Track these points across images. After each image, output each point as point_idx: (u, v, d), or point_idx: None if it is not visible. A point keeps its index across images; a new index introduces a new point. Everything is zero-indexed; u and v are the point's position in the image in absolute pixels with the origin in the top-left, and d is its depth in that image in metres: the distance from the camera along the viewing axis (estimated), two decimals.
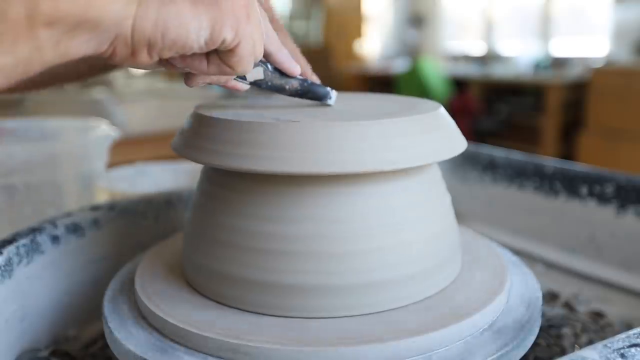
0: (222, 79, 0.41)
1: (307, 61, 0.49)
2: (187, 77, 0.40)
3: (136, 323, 0.41)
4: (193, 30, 0.33)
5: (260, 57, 0.39)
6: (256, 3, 0.37)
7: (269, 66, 0.43)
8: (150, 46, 0.33)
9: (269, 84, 0.43)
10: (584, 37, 4.10)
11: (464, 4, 4.90)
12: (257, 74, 0.42)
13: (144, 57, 0.33)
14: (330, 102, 0.45)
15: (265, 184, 0.40)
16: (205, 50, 0.35)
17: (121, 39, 0.32)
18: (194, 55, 0.36)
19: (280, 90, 0.44)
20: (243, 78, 0.42)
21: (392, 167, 0.38)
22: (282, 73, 0.44)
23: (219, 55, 0.36)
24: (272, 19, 0.46)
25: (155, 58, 0.34)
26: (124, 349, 0.39)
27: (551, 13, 4.26)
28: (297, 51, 0.49)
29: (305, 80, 0.45)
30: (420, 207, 0.42)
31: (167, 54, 0.34)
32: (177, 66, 0.37)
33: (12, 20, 0.28)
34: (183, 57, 0.36)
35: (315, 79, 0.47)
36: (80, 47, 0.31)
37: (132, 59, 0.33)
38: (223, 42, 0.34)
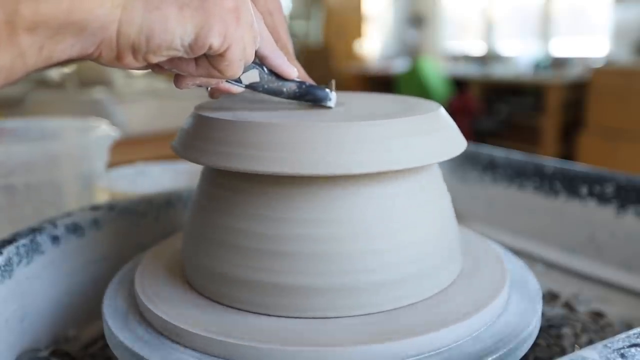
0: (212, 81, 0.40)
1: (299, 63, 0.48)
2: (176, 79, 0.39)
3: (136, 323, 0.41)
4: (178, 36, 0.32)
5: (251, 60, 0.38)
6: (249, 4, 0.36)
7: (265, 69, 0.42)
8: (135, 50, 0.32)
9: (265, 87, 0.42)
10: (584, 37, 4.10)
11: (464, 4, 4.89)
12: (252, 76, 0.41)
13: (129, 60, 0.33)
14: (330, 104, 0.44)
15: (264, 185, 0.40)
16: (192, 55, 0.34)
17: (106, 43, 0.31)
18: (181, 58, 0.35)
19: (277, 93, 0.43)
20: (238, 81, 0.41)
21: (391, 168, 0.38)
22: (279, 76, 0.43)
23: (208, 59, 0.36)
24: (278, 13, 0.47)
25: (141, 61, 0.33)
26: (124, 349, 0.39)
27: (551, 13, 4.26)
28: (292, 55, 0.48)
29: (303, 82, 0.44)
30: (420, 207, 0.42)
31: (153, 59, 0.33)
32: (164, 68, 0.37)
33: None
34: (171, 59, 0.36)
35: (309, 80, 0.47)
36: (65, 51, 0.30)
37: (117, 61, 0.33)
38: (210, 47, 0.34)
